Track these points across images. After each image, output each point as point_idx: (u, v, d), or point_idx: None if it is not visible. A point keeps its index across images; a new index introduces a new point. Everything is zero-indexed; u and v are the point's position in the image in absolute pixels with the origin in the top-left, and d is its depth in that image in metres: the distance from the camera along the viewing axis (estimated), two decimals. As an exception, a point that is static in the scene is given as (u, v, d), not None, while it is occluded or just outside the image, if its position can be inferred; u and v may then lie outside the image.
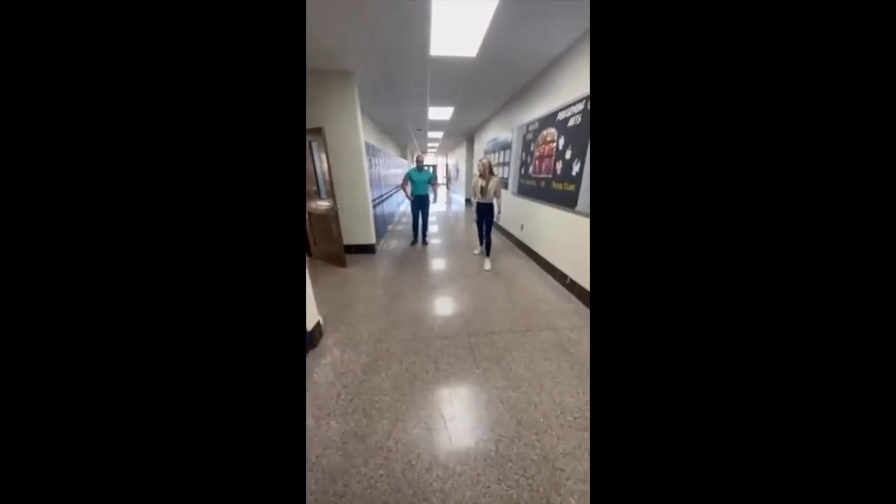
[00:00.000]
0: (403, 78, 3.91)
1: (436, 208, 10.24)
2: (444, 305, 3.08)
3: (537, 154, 4.11)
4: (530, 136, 4.36)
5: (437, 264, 4.39)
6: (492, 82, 4.26)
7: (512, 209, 5.32)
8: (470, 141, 10.14)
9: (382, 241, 5.71)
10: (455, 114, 6.33)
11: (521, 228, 4.92)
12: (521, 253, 4.90)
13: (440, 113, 6.27)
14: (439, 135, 9.81)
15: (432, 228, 6.94)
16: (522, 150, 4.69)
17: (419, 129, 8.42)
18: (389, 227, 6.93)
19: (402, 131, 8.75)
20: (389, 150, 8.41)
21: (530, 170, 4.41)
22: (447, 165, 22.12)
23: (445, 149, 16.84)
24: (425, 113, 6.09)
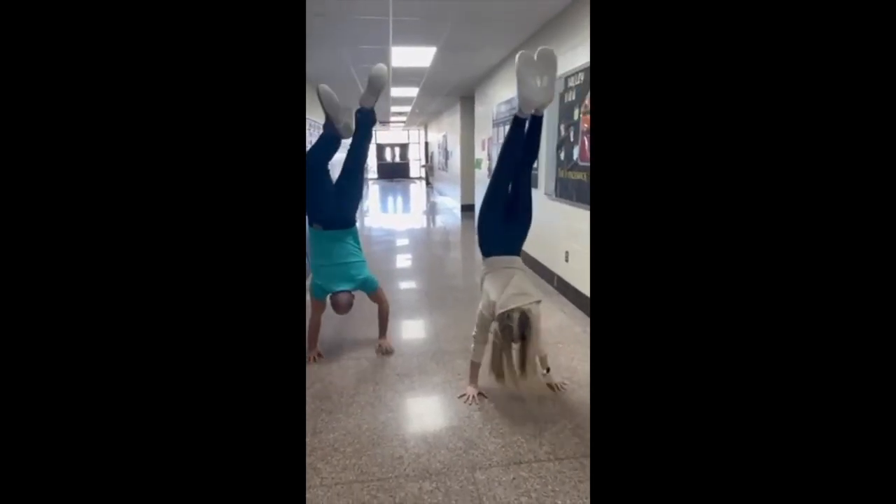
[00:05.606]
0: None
1: (410, 221, 7.21)
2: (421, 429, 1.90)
3: (587, 127, 2.99)
4: (574, 94, 3.20)
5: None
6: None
7: (548, 224, 3.64)
8: (467, 102, 7.56)
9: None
10: (439, 57, 4.79)
11: (567, 259, 3.50)
12: (564, 300, 3.45)
13: (413, 56, 4.78)
14: (412, 92, 7.20)
15: (397, 271, 4.65)
16: (561, 121, 3.42)
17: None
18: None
19: (344, 87, 6.30)
20: (315, 117, 5.21)
21: (576, 155, 3.20)
22: (426, 145, 15.50)
23: (422, 117, 12.39)
24: (387, 55, 4.57)
